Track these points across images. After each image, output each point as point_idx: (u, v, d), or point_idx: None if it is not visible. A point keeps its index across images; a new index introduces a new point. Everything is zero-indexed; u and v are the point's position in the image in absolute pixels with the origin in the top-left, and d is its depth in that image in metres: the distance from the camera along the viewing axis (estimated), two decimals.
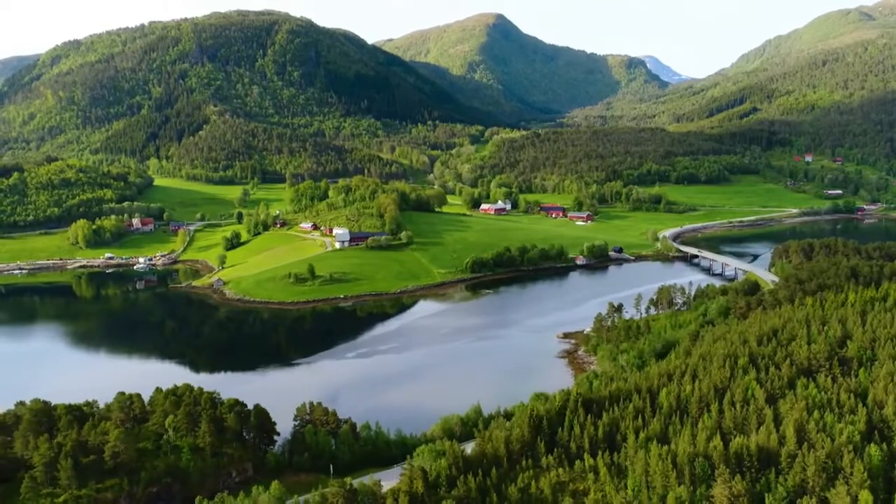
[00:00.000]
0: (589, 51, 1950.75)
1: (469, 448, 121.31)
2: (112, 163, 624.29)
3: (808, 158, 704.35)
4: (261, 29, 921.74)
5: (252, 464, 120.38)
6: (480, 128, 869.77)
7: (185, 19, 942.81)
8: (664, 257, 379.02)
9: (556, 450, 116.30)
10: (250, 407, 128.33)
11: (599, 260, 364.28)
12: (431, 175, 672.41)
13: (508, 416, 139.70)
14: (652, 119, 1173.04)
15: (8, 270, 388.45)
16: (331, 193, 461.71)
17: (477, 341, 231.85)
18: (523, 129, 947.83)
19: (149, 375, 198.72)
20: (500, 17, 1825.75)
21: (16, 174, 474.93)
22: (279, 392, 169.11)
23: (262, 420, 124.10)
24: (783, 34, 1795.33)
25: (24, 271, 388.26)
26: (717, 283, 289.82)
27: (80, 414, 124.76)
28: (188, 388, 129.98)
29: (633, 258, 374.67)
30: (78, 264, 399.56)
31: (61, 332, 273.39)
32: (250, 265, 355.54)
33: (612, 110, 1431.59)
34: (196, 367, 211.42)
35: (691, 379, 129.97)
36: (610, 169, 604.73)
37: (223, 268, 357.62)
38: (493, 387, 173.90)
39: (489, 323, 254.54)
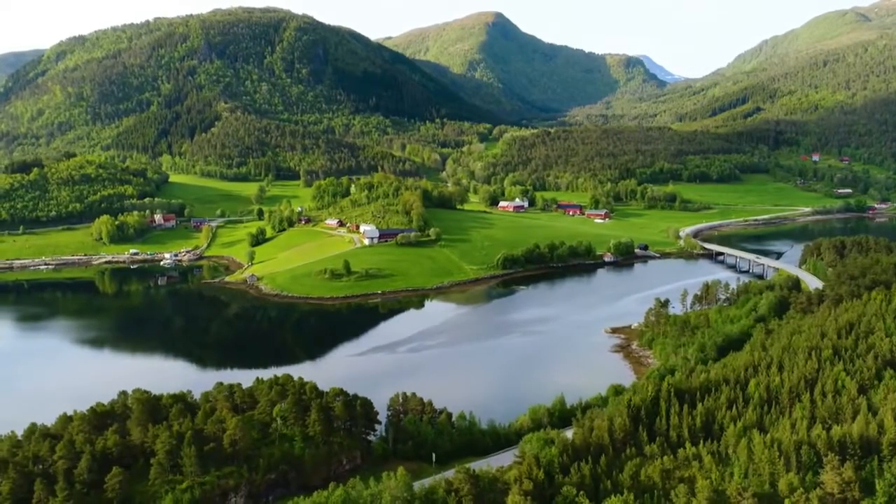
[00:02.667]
0: (585, 50, 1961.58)
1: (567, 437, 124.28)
2: (124, 160, 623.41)
3: (815, 158, 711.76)
4: (268, 26, 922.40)
5: (360, 452, 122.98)
6: (488, 126, 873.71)
7: (191, 15, 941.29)
8: (688, 255, 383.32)
9: (657, 438, 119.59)
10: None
11: (626, 257, 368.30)
12: (444, 172, 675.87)
13: (591, 406, 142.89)
14: (654, 118, 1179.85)
15: (34, 266, 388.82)
16: (353, 190, 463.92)
17: (525, 335, 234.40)
18: (525, 126, 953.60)
19: (218, 369, 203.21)
20: (499, 16, 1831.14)
21: (35, 170, 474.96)
22: (347, 383, 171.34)
23: (366, 409, 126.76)
24: (779, 34, 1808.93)
25: (49, 267, 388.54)
26: (748, 279, 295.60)
27: (186, 403, 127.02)
28: (288, 377, 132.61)
29: (658, 255, 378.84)
30: (103, 260, 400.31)
31: (111, 327, 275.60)
32: (280, 261, 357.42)
33: (612, 109, 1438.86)
34: (254, 361, 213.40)
35: (778, 370, 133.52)
36: (623, 167, 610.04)
37: (252, 264, 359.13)
38: (562, 379, 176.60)
39: (531, 318, 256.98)
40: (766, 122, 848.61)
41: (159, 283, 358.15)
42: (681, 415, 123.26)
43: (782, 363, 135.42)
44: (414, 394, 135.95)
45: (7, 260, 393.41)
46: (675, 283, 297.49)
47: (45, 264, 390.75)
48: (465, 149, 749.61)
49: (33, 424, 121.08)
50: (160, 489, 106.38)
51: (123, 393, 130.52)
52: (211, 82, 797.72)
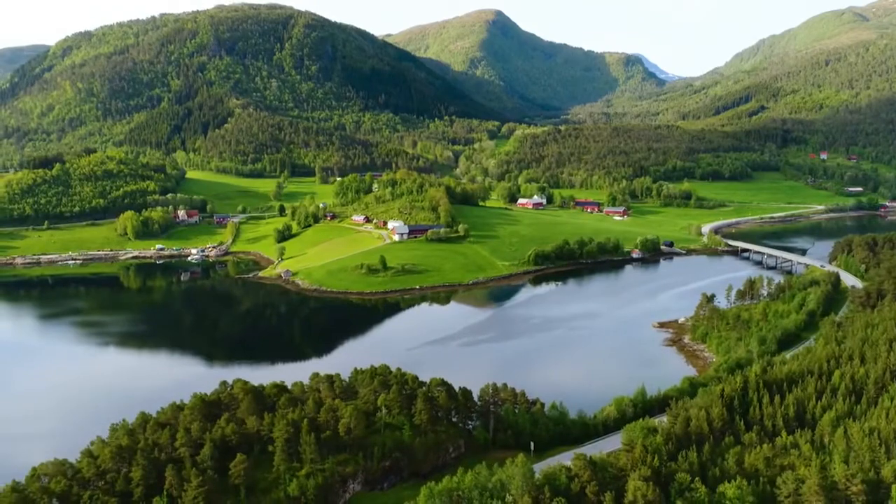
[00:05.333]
0: (584, 48, 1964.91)
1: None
2: (137, 156, 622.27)
3: (824, 156, 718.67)
4: (276, 22, 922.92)
5: (463, 441, 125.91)
6: (496, 123, 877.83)
7: (198, 12, 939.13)
8: (712, 251, 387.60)
9: (754, 427, 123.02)
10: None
11: (653, 254, 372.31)
12: (458, 170, 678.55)
13: (671, 397, 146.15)
14: (656, 116, 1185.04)
15: (62, 261, 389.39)
16: (375, 187, 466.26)
17: (573, 330, 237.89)
18: (529, 124, 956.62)
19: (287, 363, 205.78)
20: (499, 14, 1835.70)
21: (57, 165, 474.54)
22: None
23: (466, 399, 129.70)
24: (777, 34, 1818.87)
25: (76, 262, 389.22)
26: (778, 276, 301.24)
27: (289, 393, 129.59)
28: (386, 368, 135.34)
29: (683, 252, 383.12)
30: (130, 255, 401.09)
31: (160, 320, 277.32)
32: (311, 256, 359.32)
33: (613, 107, 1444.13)
34: (310, 353, 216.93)
35: (860, 362, 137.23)
36: (636, 165, 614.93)
37: (283, 259, 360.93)
38: (626, 371, 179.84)
39: (575, 313, 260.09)
40: (773, 120, 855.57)
41: (182, 278, 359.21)
42: (773, 404, 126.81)
43: (864, 355, 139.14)
44: (505, 384, 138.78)
45: (34, 255, 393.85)
46: (706, 280, 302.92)
47: (73, 259, 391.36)
48: (476, 146, 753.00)
49: (143, 413, 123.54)
50: (283, 475, 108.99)
51: (224, 383, 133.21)
52: (221, 79, 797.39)
